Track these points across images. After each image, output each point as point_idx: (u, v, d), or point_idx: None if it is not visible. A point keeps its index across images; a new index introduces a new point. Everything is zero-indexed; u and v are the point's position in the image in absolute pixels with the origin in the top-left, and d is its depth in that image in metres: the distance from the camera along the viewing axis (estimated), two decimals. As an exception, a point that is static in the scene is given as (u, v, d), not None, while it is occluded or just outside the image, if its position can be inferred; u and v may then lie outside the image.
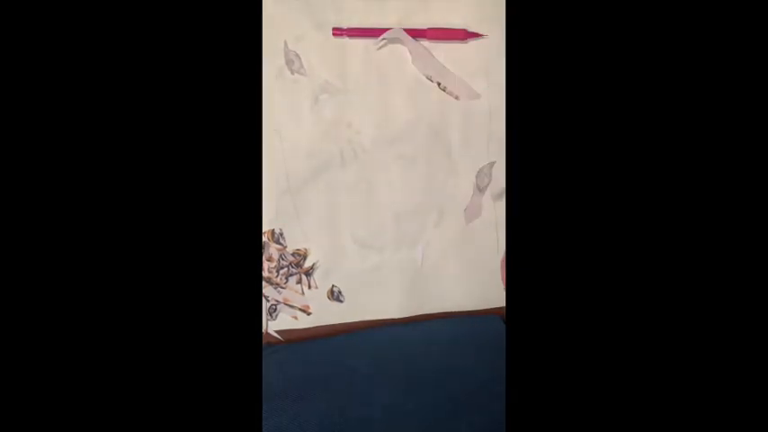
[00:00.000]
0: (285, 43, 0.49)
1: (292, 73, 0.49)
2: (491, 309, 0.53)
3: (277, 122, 0.50)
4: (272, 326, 0.52)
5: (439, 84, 0.50)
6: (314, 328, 0.52)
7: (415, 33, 0.49)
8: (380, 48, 0.49)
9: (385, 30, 0.48)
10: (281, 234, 0.51)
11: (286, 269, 0.51)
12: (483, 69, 0.50)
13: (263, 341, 0.52)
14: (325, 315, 0.52)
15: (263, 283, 0.51)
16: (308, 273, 0.52)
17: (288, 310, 0.52)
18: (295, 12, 0.48)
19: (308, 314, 0.52)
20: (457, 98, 0.50)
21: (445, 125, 0.51)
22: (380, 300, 0.52)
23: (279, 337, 0.52)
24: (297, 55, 0.49)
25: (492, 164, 0.51)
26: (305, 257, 0.51)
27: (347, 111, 0.50)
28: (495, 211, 0.52)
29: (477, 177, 0.52)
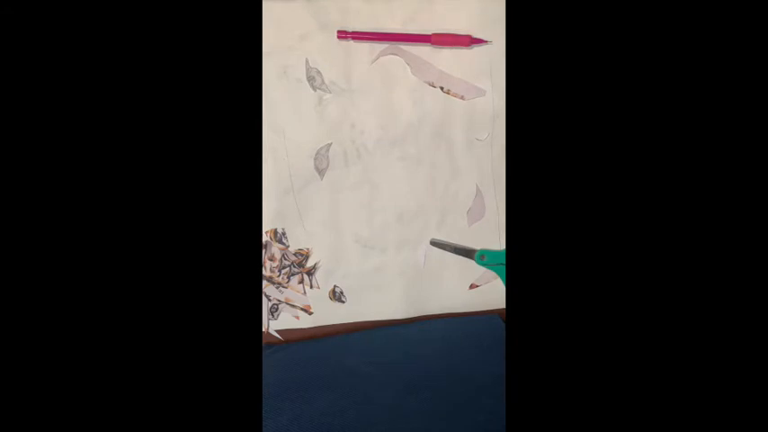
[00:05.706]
0: (306, 60, 0.49)
1: (314, 89, 0.49)
2: (491, 309, 0.52)
3: (281, 122, 0.50)
4: (274, 325, 0.52)
5: (442, 88, 0.50)
6: (315, 328, 0.52)
7: (420, 38, 0.49)
8: (374, 61, 0.49)
9: (389, 34, 0.49)
10: (284, 234, 0.51)
11: (288, 269, 0.51)
12: (486, 72, 0.50)
13: (264, 341, 0.52)
14: (327, 315, 0.52)
15: (265, 282, 0.51)
16: (310, 273, 0.52)
17: (289, 310, 0.52)
18: (300, 11, 0.49)
19: (310, 314, 0.52)
20: (462, 98, 0.50)
21: (448, 126, 0.51)
22: (382, 300, 0.52)
23: (279, 336, 0.52)
24: (318, 72, 0.49)
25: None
26: (307, 257, 0.51)
27: (351, 111, 0.50)
28: (498, 213, 0.52)
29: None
